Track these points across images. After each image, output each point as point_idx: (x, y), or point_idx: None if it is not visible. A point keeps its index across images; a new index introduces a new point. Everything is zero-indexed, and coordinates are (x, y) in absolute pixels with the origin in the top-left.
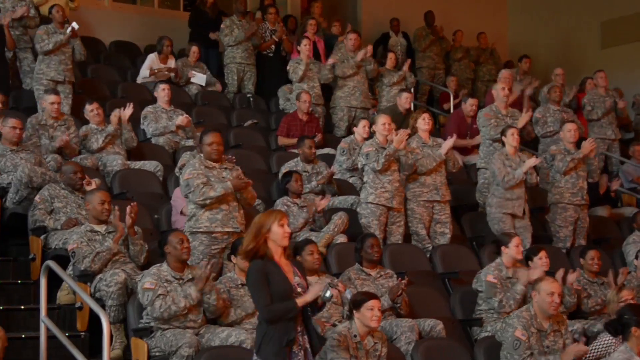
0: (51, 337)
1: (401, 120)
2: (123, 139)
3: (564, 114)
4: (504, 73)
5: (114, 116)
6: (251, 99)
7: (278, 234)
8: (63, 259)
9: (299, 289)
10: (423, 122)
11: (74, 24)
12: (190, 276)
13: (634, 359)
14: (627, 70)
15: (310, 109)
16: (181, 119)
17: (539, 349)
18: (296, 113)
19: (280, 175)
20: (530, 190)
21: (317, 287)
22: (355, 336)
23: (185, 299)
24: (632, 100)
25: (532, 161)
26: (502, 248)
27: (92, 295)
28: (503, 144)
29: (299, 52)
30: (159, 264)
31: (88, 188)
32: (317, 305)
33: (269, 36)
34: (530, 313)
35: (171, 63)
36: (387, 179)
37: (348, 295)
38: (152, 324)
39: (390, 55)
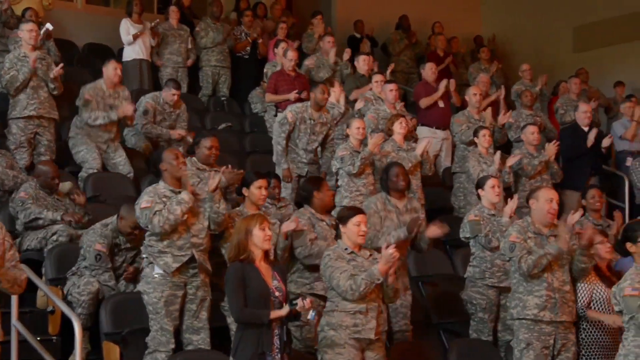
0: (22, 341)
1: (365, 83)
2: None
3: (536, 118)
4: (481, 77)
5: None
6: (225, 102)
7: (259, 237)
8: (35, 262)
9: (277, 293)
10: (400, 126)
11: (48, 25)
12: None
13: None
14: (598, 75)
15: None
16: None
17: None
18: (283, 69)
19: (281, 118)
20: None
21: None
22: (346, 249)
23: (179, 205)
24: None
25: (498, 155)
26: (479, 191)
27: (64, 298)
28: (476, 145)
29: (275, 54)
30: (155, 183)
31: (77, 200)
32: (293, 314)
33: (244, 37)
34: (527, 221)
35: (146, 24)
36: (361, 182)
37: (311, 317)
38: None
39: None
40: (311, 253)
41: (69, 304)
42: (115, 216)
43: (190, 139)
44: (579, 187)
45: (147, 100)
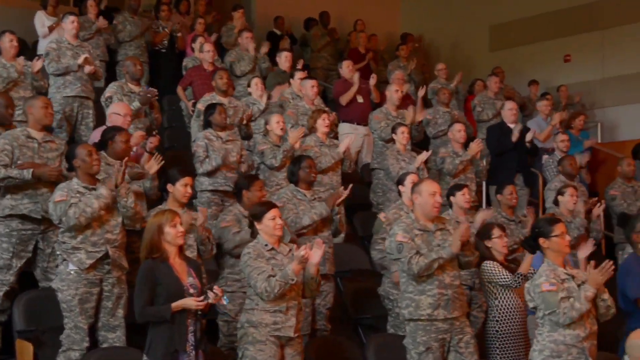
0: None
1: (287, 79)
2: None
3: (454, 113)
4: (397, 74)
5: None
6: None
7: (171, 234)
8: None
9: (192, 290)
10: (322, 123)
11: None
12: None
13: (557, 270)
14: (513, 73)
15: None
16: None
17: (427, 249)
18: (201, 65)
19: (196, 112)
20: None
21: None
22: (266, 245)
23: (97, 199)
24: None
25: (424, 155)
26: (400, 187)
27: None
28: (394, 142)
29: (193, 49)
30: (68, 181)
31: None
32: (206, 308)
33: (162, 31)
34: (411, 218)
35: (60, 17)
36: (282, 175)
37: (225, 302)
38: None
39: (286, 55)
40: (236, 244)
41: None
42: None
43: (96, 69)
44: (505, 184)
45: (48, 45)
